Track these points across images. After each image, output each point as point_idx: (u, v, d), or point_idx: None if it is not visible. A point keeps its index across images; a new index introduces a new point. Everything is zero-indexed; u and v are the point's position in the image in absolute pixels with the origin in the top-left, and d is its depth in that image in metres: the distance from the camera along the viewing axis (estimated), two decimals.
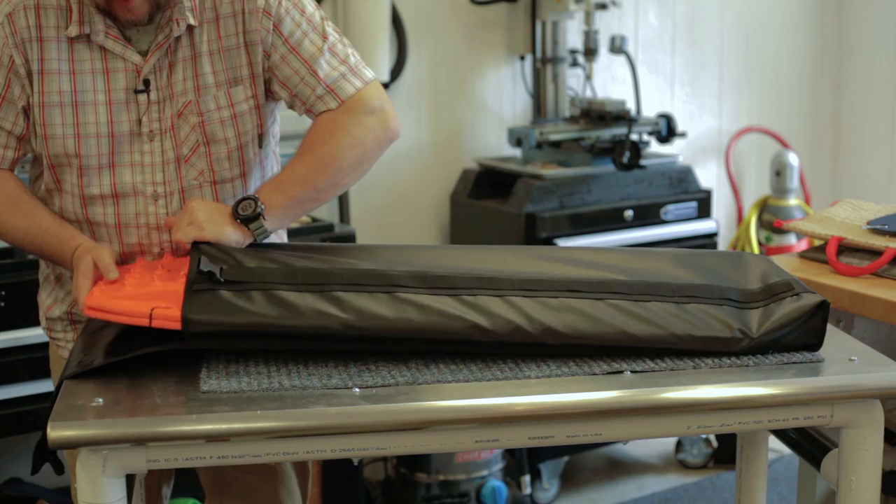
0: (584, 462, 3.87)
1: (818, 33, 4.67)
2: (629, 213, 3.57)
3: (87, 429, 1.54)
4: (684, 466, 3.84)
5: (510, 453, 3.55)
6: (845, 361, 1.78)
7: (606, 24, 4.07)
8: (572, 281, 1.83)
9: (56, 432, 1.52)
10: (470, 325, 1.73)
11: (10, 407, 2.65)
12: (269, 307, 1.71)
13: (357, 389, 1.65)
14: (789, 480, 3.60)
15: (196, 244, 1.85)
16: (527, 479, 3.52)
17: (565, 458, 3.66)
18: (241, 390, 1.64)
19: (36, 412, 2.62)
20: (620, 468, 3.85)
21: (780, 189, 4.34)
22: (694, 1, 4.37)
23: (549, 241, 3.42)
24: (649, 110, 4.12)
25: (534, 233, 3.42)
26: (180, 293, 1.72)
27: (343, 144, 1.96)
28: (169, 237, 1.97)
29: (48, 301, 2.12)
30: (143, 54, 1.94)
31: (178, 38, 1.94)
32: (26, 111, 1.95)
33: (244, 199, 1.89)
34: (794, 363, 1.77)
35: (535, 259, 1.94)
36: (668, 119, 3.74)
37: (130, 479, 1.67)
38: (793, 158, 4.34)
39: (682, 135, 3.80)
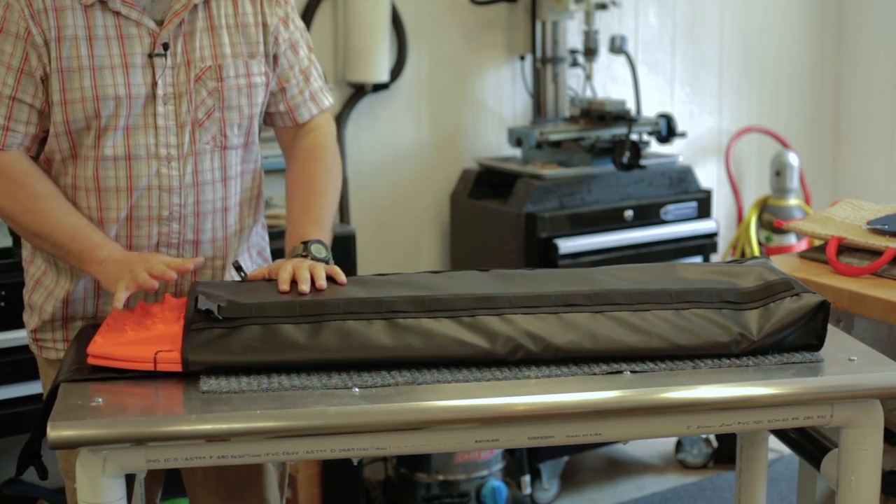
0: (584, 462, 3.87)
1: (818, 33, 4.67)
2: (629, 213, 3.57)
3: (87, 429, 1.54)
4: (684, 466, 3.84)
5: (510, 453, 3.55)
6: (845, 361, 1.79)
7: (606, 24, 4.07)
8: (570, 295, 1.83)
9: (56, 432, 1.53)
10: (471, 348, 1.73)
11: (11, 407, 2.66)
12: (267, 342, 1.72)
13: (357, 389, 1.65)
14: (789, 480, 3.60)
15: (194, 285, 1.88)
16: (527, 479, 3.52)
17: (565, 458, 3.65)
18: (240, 390, 1.64)
19: (36, 413, 2.62)
20: (620, 468, 3.85)
21: (780, 189, 4.34)
22: (694, 1, 4.37)
23: (549, 241, 3.42)
24: (649, 110, 4.12)
25: (534, 233, 3.42)
26: (181, 334, 1.73)
27: (337, 171, 2.19)
28: (178, 200, 2.02)
29: (40, 300, 2.12)
30: (159, 23, 1.99)
31: (194, 9, 2.01)
32: (44, 82, 1.97)
33: (311, 242, 2.00)
34: (793, 363, 1.77)
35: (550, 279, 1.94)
36: (668, 119, 3.74)
37: (130, 480, 1.67)
38: (793, 158, 4.34)
39: (682, 135, 3.80)
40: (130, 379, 1.70)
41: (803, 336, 1.81)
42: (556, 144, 3.69)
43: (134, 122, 1.99)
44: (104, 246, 1.97)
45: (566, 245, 3.43)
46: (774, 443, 2.39)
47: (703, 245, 3.75)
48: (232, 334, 1.72)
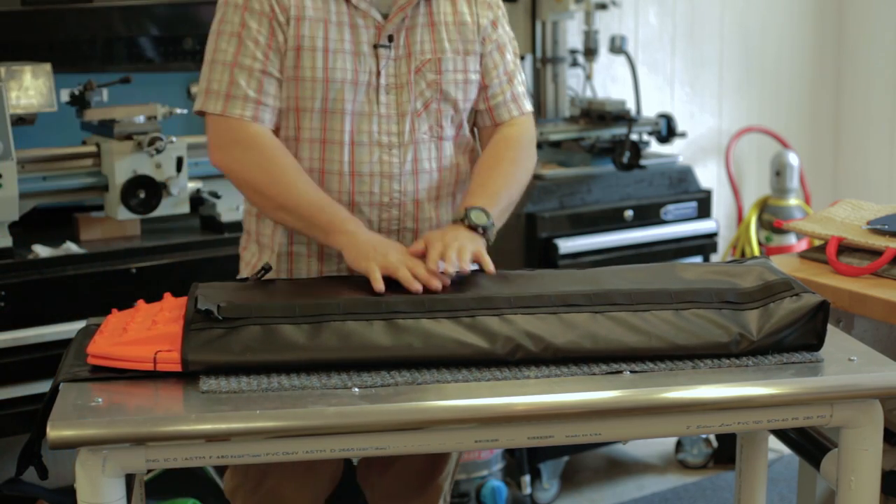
0: (584, 462, 3.87)
1: (818, 33, 4.67)
2: (629, 213, 3.57)
3: (87, 428, 1.54)
4: (684, 466, 3.84)
5: (510, 453, 3.55)
6: (845, 361, 1.78)
7: (606, 24, 4.07)
8: (570, 295, 1.83)
9: (56, 432, 1.52)
10: (470, 348, 1.73)
11: (11, 407, 2.65)
12: (267, 343, 1.72)
13: (356, 389, 1.65)
14: (789, 480, 3.60)
15: (194, 284, 1.89)
16: (527, 479, 3.52)
17: (565, 458, 3.65)
18: (240, 390, 1.64)
19: (37, 413, 2.61)
20: (620, 468, 3.85)
21: (780, 189, 4.34)
22: (694, 1, 4.37)
23: (549, 241, 3.42)
24: (649, 110, 4.12)
25: (534, 233, 3.42)
26: (181, 334, 1.73)
27: (527, 166, 2.20)
28: (398, 186, 2.08)
29: (252, 260, 2.17)
30: (384, 16, 2.08)
31: (416, 5, 2.09)
32: (282, 59, 2.05)
33: (472, 209, 2.01)
34: (793, 363, 1.77)
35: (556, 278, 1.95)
36: (668, 119, 3.74)
37: (130, 480, 1.67)
38: (793, 158, 4.34)
39: (682, 135, 3.80)
40: (130, 379, 1.70)
41: (803, 336, 1.81)
42: (556, 144, 3.69)
43: (358, 108, 2.06)
44: (353, 219, 2.02)
45: (566, 245, 3.43)
46: (774, 443, 2.39)
47: (703, 245, 3.75)
48: (232, 334, 1.72)
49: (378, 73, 2.07)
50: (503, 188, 2.12)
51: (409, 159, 2.09)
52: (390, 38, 2.07)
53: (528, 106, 2.26)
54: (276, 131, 2.08)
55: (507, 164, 2.16)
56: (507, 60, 2.21)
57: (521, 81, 2.25)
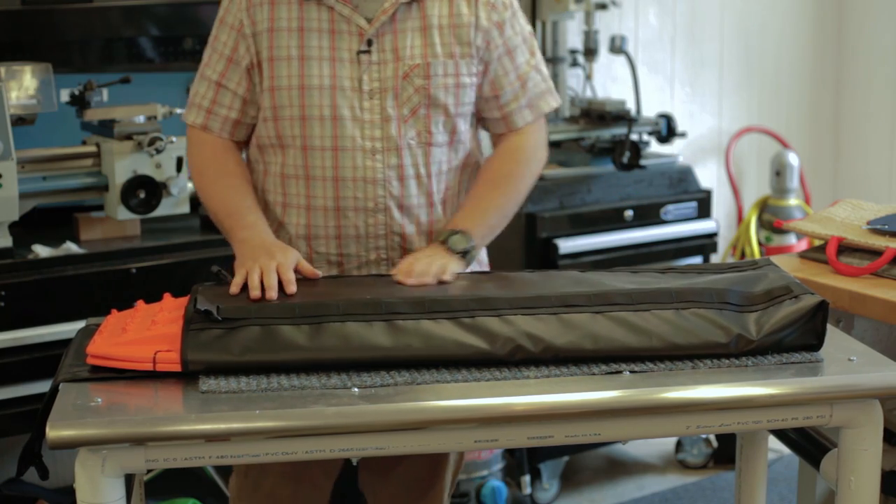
0: (584, 462, 3.87)
1: (818, 33, 4.67)
2: (629, 213, 3.57)
3: (87, 429, 1.54)
4: (684, 466, 3.84)
5: (510, 453, 3.55)
6: (845, 361, 1.78)
7: (606, 24, 4.07)
8: (570, 296, 1.82)
9: (55, 432, 1.53)
10: (470, 349, 1.73)
11: (11, 407, 2.65)
12: (266, 343, 1.72)
13: (356, 389, 1.65)
14: (789, 480, 3.60)
15: (195, 286, 1.90)
16: (527, 479, 3.52)
17: (565, 458, 3.65)
18: (239, 390, 1.65)
19: (36, 413, 2.61)
20: (620, 468, 3.85)
21: (780, 189, 4.34)
22: (694, 1, 4.37)
23: (549, 241, 3.42)
24: (649, 110, 4.12)
25: (534, 233, 3.41)
26: (181, 335, 1.73)
27: (531, 174, 2.21)
28: (383, 192, 2.09)
29: None
30: (369, 20, 2.07)
31: (407, 7, 2.07)
32: (249, 71, 2.11)
33: (453, 233, 2.06)
34: (793, 363, 1.77)
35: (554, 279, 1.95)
36: (668, 119, 3.74)
37: (130, 480, 1.67)
38: (793, 158, 4.34)
39: (682, 135, 3.80)
40: (130, 379, 1.70)
41: (803, 336, 1.81)
42: (556, 144, 3.69)
43: (340, 113, 2.07)
44: (253, 227, 2.06)
45: (566, 245, 3.43)
46: (774, 443, 2.39)
47: (703, 245, 3.75)
48: (231, 335, 1.72)
49: (361, 78, 2.07)
50: (494, 208, 2.14)
51: (395, 164, 2.08)
52: (369, 43, 2.06)
53: (551, 103, 2.25)
54: (261, 143, 2.13)
55: (505, 182, 2.16)
56: (519, 64, 2.18)
57: (541, 79, 2.22)
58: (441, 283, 1.96)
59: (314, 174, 2.09)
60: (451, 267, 1.99)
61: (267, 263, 1.91)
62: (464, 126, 2.15)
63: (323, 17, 2.06)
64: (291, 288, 1.88)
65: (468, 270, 2.05)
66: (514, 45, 2.16)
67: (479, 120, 2.22)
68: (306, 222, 2.12)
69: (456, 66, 2.10)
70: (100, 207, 2.94)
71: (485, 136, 2.31)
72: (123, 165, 2.78)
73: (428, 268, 1.97)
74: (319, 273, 1.99)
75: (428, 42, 2.08)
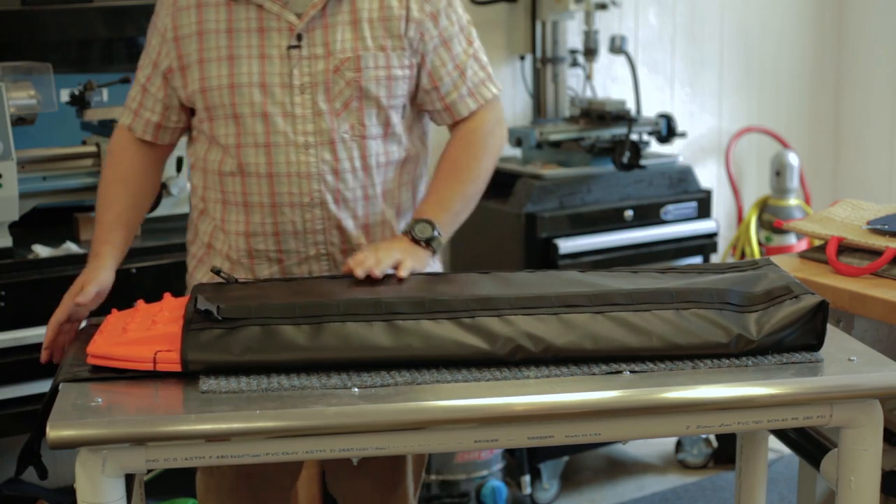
0: (584, 462, 3.87)
1: (818, 33, 4.67)
2: (629, 213, 3.57)
3: (87, 428, 1.54)
4: (684, 466, 3.84)
5: (510, 453, 3.55)
6: (845, 361, 1.78)
7: (606, 24, 4.07)
8: (570, 296, 1.82)
9: (55, 432, 1.53)
10: (470, 349, 1.73)
11: (11, 407, 2.66)
12: (267, 343, 1.72)
13: (356, 389, 1.65)
14: (789, 480, 3.60)
15: (196, 286, 1.91)
16: (527, 479, 3.52)
17: (565, 458, 3.65)
18: (240, 390, 1.65)
19: (36, 413, 2.61)
20: (620, 468, 3.85)
21: (780, 189, 4.34)
22: (694, 1, 4.37)
23: (549, 241, 3.42)
24: (649, 110, 4.12)
25: (534, 233, 3.42)
26: (181, 335, 1.73)
27: (488, 155, 2.19)
28: (318, 186, 2.08)
29: (204, 279, 2.21)
30: (299, 16, 2.07)
31: (338, 1, 2.07)
32: (166, 76, 2.13)
33: (417, 221, 2.07)
34: (793, 363, 1.77)
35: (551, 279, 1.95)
36: (668, 119, 3.74)
37: (130, 480, 1.67)
38: (793, 158, 4.34)
39: (682, 135, 3.80)
40: (130, 379, 1.70)
41: (803, 336, 1.81)
42: (556, 144, 3.69)
43: (271, 110, 2.06)
44: (96, 255, 2.10)
45: (566, 245, 3.43)
46: (774, 443, 2.39)
47: (703, 245, 3.75)
48: (231, 335, 1.72)
49: (291, 74, 2.06)
50: (456, 195, 2.13)
51: (329, 159, 2.08)
52: (299, 38, 2.06)
53: (491, 90, 2.21)
54: (199, 143, 2.16)
55: (463, 167, 2.16)
56: (456, 53, 2.16)
57: (479, 67, 2.19)
58: (399, 280, 1.95)
59: (248, 171, 2.09)
60: (408, 264, 1.98)
61: (53, 317, 2.00)
62: (396, 118, 2.14)
63: (251, 17, 2.06)
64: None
65: (427, 271, 2.05)
66: (449, 35, 2.15)
67: (426, 114, 2.22)
68: (245, 219, 2.12)
69: (387, 59, 2.09)
70: None
71: (441, 130, 2.29)
72: None
73: (380, 262, 1.96)
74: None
75: (359, 35, 2.08)
